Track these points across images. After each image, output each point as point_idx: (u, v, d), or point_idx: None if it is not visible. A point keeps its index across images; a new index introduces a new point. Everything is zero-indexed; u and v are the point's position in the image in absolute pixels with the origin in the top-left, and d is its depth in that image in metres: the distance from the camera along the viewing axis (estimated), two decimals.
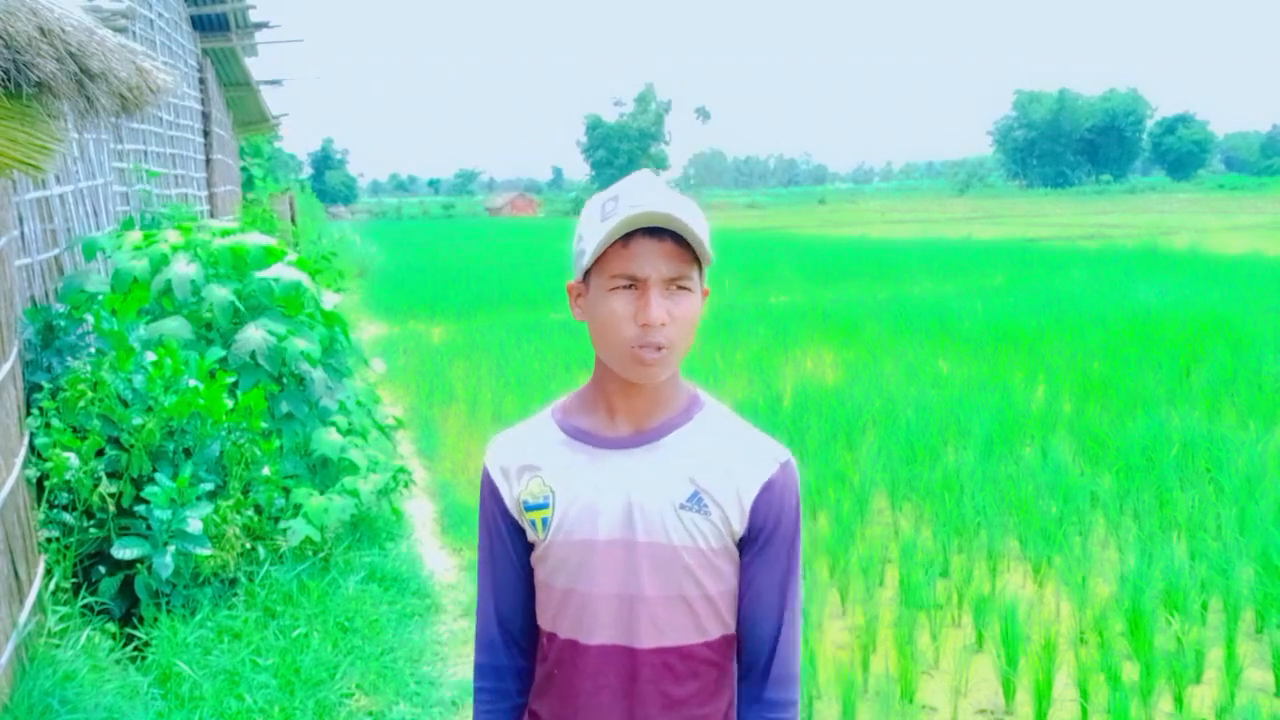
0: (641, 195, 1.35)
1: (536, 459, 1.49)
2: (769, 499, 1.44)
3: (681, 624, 1.43)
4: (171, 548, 3.93)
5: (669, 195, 1.35)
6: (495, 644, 1.56)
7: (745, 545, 1.45)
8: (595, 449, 1.45)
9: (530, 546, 1.51)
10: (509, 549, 1.52)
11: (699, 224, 1.35)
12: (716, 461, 1.43)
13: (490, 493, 1.53)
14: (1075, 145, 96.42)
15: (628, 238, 1.34)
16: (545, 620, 1.51)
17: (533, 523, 1.47)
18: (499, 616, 1.55)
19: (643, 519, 1.41)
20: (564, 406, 1.53)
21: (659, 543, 1.41)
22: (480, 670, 1.57)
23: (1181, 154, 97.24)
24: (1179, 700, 3.65)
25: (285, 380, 5.25)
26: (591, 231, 1.37)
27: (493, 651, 1.56)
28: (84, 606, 3.78)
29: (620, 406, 1.45)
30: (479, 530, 1.58)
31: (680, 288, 1.37)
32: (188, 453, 4.33)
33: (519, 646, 1.56)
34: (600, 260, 1.37)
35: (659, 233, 1.34)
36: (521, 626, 1.55)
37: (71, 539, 3.83)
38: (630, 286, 1.36)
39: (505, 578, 1.54)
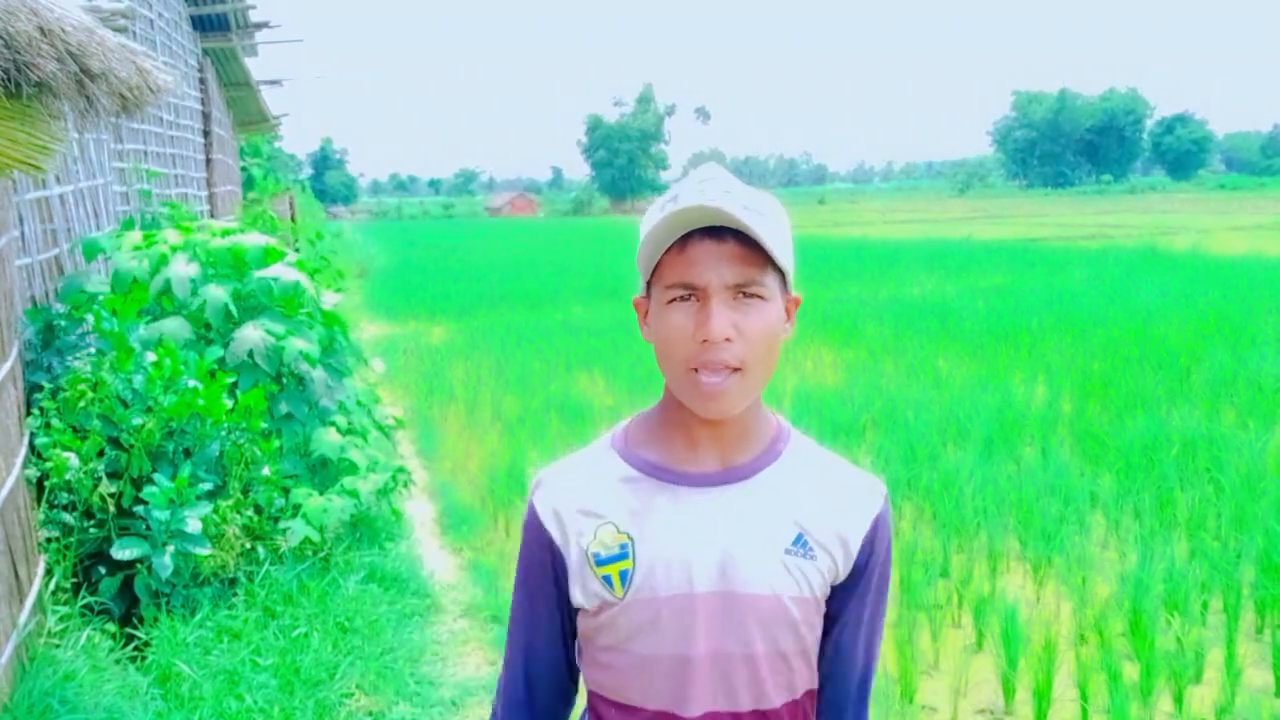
0: (701, 190, 1.15)
1: (601, 501, 1.26)
2: (875, 536, 1.28)
3: (779, 683, 1.26)
4: (171, 548, 3.93)
5: (733, 188, 1.15)
6: (522, 707, 1.35)
7: (845, 583, 1.29)
8: (677, 487, 1.24)
9: (575, 606, 1.30)
10: (554, 607, 1.31)
11: (769, 220, 1.16)
12: (819, 501, 1.26)
13: (541, 543, 1.29)
14: (1075, 145, 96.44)
15: (684, 241, 1.16)
16: (618, 690, 1.28)
17: (607, 579, 1.24)
18: (531, 681, 1.34)
19: (744, 568, 1.22)
20: (627, 436, 1.30)
21: (763, 594, 1.22)
22: None
23: (1181, 154, 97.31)
24: (1179, 700, 3.65)
25: (285, 380, 5.25)
26: (648, 236, 1.18)
27: (518, 713, 1.36)
28: (84, 606, 3.78)
29: (703, 437, 1.24)
30: (518, 580, 1.35)
31: (750, 295, 1.16)
32: (187, 453, 4.33)
33: (550, 713, 1.37)
34: (657, 269, 1.19)
35: (719, 232, 1.15)
36: (556, 693, 1.36)
37: (71, 539, 3.83)
38: (690, 297, 1.16)
39: (547, 638, 1.33)
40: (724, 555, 1.22)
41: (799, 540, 1.24)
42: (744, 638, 1.23)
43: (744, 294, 1.16)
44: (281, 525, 4.57)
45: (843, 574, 1.27)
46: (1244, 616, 4.26)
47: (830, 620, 1.30)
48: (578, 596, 1.27)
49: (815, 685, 1.33)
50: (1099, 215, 45.01)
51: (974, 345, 10.54)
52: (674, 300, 1.17)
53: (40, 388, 4.15)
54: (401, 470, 5.55)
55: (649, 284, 1.22)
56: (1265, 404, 7.48)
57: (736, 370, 1.16)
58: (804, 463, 1.29)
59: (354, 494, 4.96)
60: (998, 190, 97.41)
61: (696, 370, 1.16)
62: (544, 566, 1.30)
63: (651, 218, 1.19)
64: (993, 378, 8.80)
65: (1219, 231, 30.17)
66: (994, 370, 9.22)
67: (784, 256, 1.18)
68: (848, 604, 1.30)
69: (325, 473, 5.20)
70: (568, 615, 1.32)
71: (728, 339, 1.15)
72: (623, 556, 1.24)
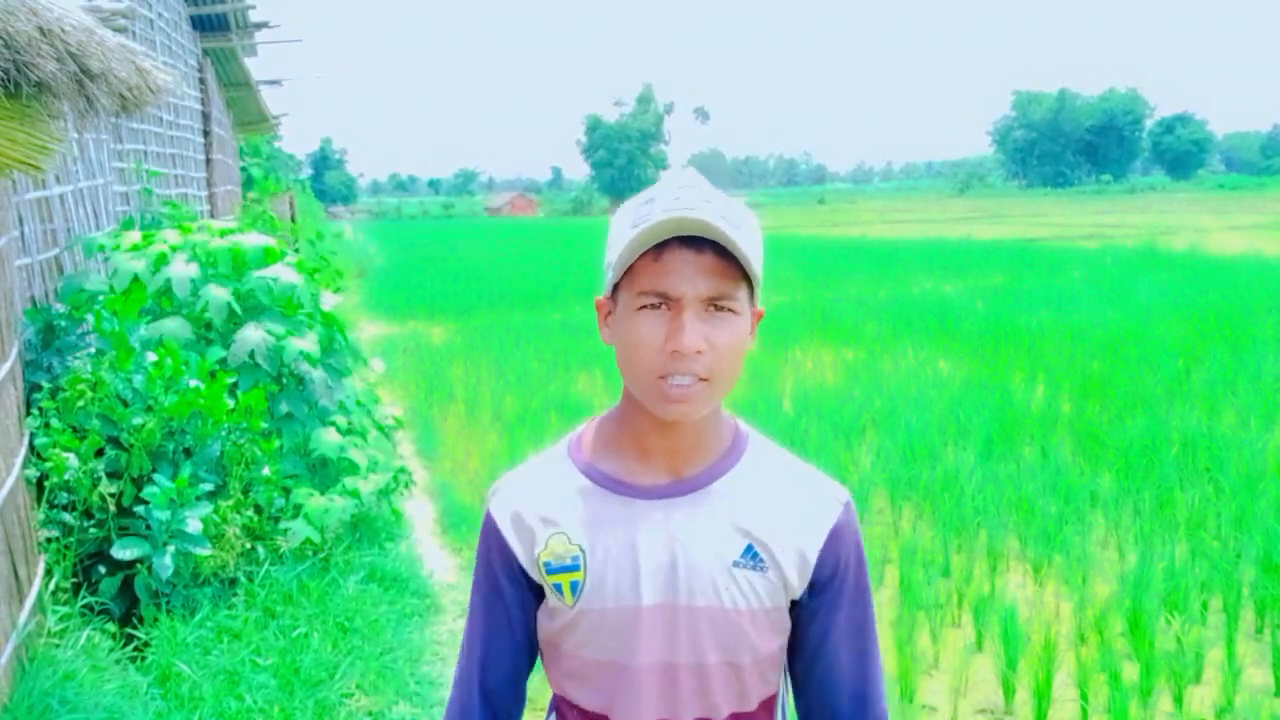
0: (678, 198, 1.13)
1: (556, 510, 1.27)
2: (835, 548, 1.26)
3: (728, 694, 1.26)
4: (171, 548, 3.93)
5: (712, 198, 1.15)
6: (473, 713, 1.35)
7: (813, 596, 1.27)
8: (629, 499, 1.25)
9: (535, 607, 1.32)
10: (510, 614, 1.32)
11: (747, 233, 1.15)
12: (772, 511, 1.25)
13: (498, 549, 1.30)
14: (1075, 145, 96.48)
15: (660, 248, 1.14)
16: (574, 691, 1.31)
17: (558, 587, 1.26)
18: (484, 688, 1.34)
19: (691, 580, 1.22)
20: (583, 444, 1.31)
21: (710, 606, 1.22)
22: None
23: (1181, 154, 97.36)
24: (1179, 700, 3.65)
25: (285, 380, 5.25)
26: (621, 239, 1.16)
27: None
28: (84, 607, 3.78)
29: (655, 447, 1.24)
30: (474, 586, 1.35)
31: (722, 309, 1.15)
32: (188, 453, 4.33)
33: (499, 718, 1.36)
34: (629, 273, 1.17)
35: (697, 243, 1.13)
36: (508, 700, 1.36)
37: (71, 539, 3.83)
38: (661, 306, 1.15)
39: (501, 645, 1.33)
40: (671, 567, 1.22)
41: (748, 551, 1.23)
42: (691, 649, 1.23)
43: (716, 307, 1.15)
44: (282, 525, 4.57)
45: (799, 586, 1.25)
46: (1244, 616, 4.27)
47: (805, 638, 1.29)
48: (549, 602, 1.29)
49: (771, 694, 1.32)
50: (1098, 215, 45.03)
51: (974, 345, 10.54)
52: (645, 307, 1.16)
53: (40, 387, 4.15)
54: (402, 470, 5.55)
55: (616, 286, 1.20)
56: (1265, 403, 7.48)
57: (704, 380, 1.16)
58: (760, 471, 1.28)
59: (354, 494, 4.96)
60: (997, 190, 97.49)
61: (662, 377, 1.16)
62: (500, 575, 1.31)
63: (625, 220, 1.18)
64: (992, 377, 8.80)
65: (1218, 231, 30.18)
66: (994, 370, 9.23)
67: (757, 270, 1.17)
68: (818, 618, 1.28)
69: (325, 473, 5.20)
70: (525, 625, 1.32)
71: (699, 351, 1.14)
72: (574, 568, 1.25)
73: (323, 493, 4.93)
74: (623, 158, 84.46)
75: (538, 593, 1.31)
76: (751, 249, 1.15)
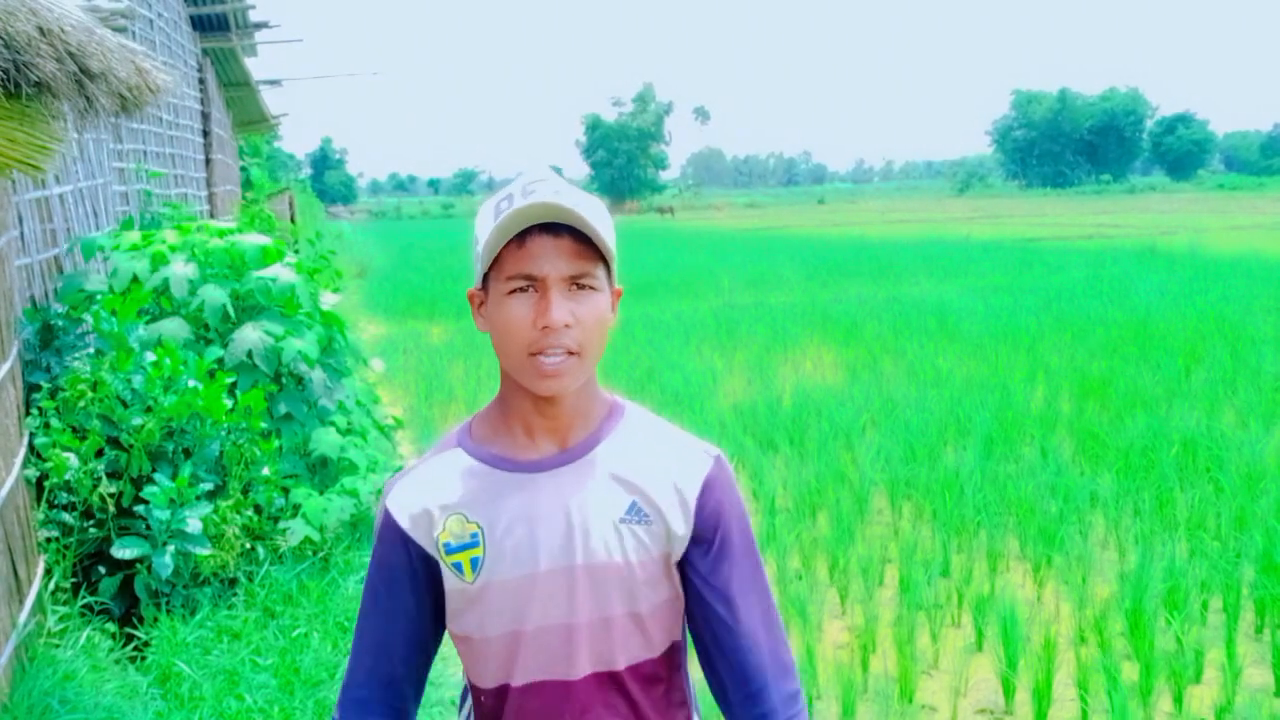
0: (534, 190, 1.24)
1: (452, 495, 1.34)
2: (713, 495, 1.35)
3: (631, 644, 1.35)
4: (171, 548, 3.93)
5: (566, 189, 1.26)
6: (366, 706, 1.38)
7: (697, 549, 1.35)
8: (520, 474, 1.33)
9: (434, 601, 1.37)
10: (407, 604, 1.36)
11: (599, 217, 1.26)
12: (649, 467, 1.34)
13: (399, 543, 1.35)
14: (1075, 145, 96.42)
15: (523, 236, 1.24)
16: (481, 676, 1.37)
17: (457, 565, 1.32)
18: (378, 677, 1.37)
19: (585, 541, 1.30)
20: (470, 432, 1.39)
21: (602, 562, 1.31)
22: None
23: (1181, 154, 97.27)
24: (1178, 700, 3.65)
25: (284, 380, 5.25)
26: (486, 232, 1.26)
27: (361, 713, 1.38)
28: (83, 606, 3.78)
29: (538, 425, 1.33)
30: (367, 582, 1.39)
31: (584, 286, 1.26)
32: (187, 453, 4.33)
33: (394, 711, 1.39)
34: (496, 263, 1.27)
35: (556, 229, 1.24)
36: (402, 691, 1.39)
37: (71, 539, 3.83)
38: (529, 288, 1.25)
39: (396, 634, 1.37)
40: (567, 532, 1.30)
41: (632, 508, 1.32)
42: (592, 606, 1.31)
43: (578, 285, 1.26)
44: (281, 525, 4.57)
45: (683, 534, 1.33)
46: (1244, 616, 4.27)
47: (709, 585, 1.35)
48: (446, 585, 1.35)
49: (676, 641, 1.39)
50: (1098, 215, 45.02)
51: (973, 345, 10.55)
52: (514, 291, 1.25)
53: (39, 388, 4.15)
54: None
55: (485, 276, 1.29)
56: (1265, 403, 7.48)
57: (573, 354, 1.26)
58: (637, 435, 1.37)
59: (354, 494, 4.96)
60: (997, 190, 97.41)
61: (535, 355, 1.25)
62: (399, 568, 1.36)
63: (488, 214, 1.27)
64: (992, 377, 8.80)
65: (1218, 231, 30.18)
66: (993, 370, 9.23)
67: (611, 250, 1.28)
68: (719, 565, 1.35)
69: (325, 473, 5.20)
70: (419, 617, 1.37)
71: (566, 325, 1.24)
72: (473, 544, 1.32)
73: (322, 492, 4.93)
74: (622, 158, 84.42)
75: (435, 587, 1.36)
76: (605, 231, 1.26)
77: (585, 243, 1.25)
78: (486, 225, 1.27)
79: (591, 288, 1.27)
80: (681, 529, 1.33)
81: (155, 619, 3.88)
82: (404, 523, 1.34)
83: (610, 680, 1.34)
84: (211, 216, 11.82)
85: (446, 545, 1.32)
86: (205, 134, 12.58)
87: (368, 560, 4.75)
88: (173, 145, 9.92)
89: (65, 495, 3.86)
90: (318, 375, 5.30)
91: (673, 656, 1.40)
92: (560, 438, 1.34)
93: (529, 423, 1.34)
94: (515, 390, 1.33)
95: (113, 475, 4.01)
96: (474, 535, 1.32)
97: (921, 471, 6.02)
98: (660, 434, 1.39)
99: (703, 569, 1.35)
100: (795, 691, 1.37)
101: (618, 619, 1.33)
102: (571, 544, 1.30)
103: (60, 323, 4.52)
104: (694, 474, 1.35)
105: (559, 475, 1.32)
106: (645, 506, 1.33)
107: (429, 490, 1.35)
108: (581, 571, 1.30)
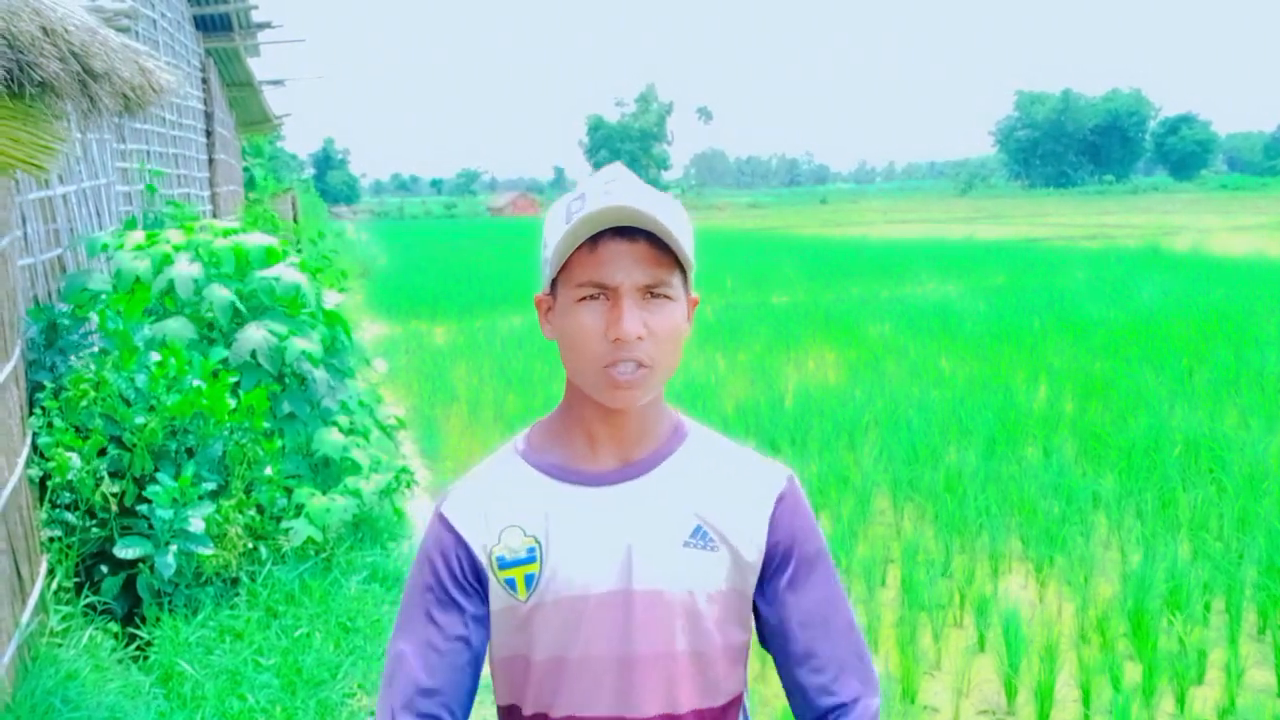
0: (608, 191, 1.15)
1: (510, 505, 1.26)
2: (786, 518, 1.27)
3: (693, 687, 1.24)
4: (174, 547, 3.93)
5: (642, 190, 1.17)
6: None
7: (773, 576, 1.27)
8: (580, 487, 1.25)
9: (481, 617, 1.26)
10: (458, 618, 1.25)
11: (678, 222, 1.17)
12: (718, 490, 1.26)
13: (449, 553, 1.25)
14: (1078, 145, 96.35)
15: (595, 240, 1.16)
16: (525, 699, 1.27)
17: (510, 581, 1.23)
18: (422, 695, 1.23)
19: (644, 564, 1.22)
20: (530, 441, 1.31)
21: (661, 590, 1.22)
22: None
23: (1184, 154, 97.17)
24: (1181, 701, 3.65)
25: (287, 380, 5.26)
26: (556, 236, 1.18)
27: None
28: (86, 606, 3.79)
29: (602, 435, 1.25)
30: (411, 593, 1.28)
31: (658, 296, 1.17)
32: (190, 452, 4.34)
33: None
34: (566, 267, 1.19)
35: (630, 233, 1.15)
36: (446, 712, 1.26)
37: (74, 538, 3.84)
38: (600, 296, 1.17)
39: (444, 651, 1.24)
40: (626, 551, 1.22)
41: (697, 531, 1.24)
42: (652, 637, 1.22)
43: (652, 294, 1.18)
44: (284, 525, 4.57)
45: (754, 563, 1.25)
46: (1246, 617, 4.26)
47: (786, 612, 1.27)
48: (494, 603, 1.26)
49: (739, 693, 1.29)
50: (1101, 215, 44.98)
51: (976, 345, 10.54)
52: (584, 299, 1.18)
53: (43, 387, 4.15)
54: (404, 470, 5.55)
55: (554, 282, 1.22)
56: (1268, 404, 7.47)
57: (645, 367, 1.18)
58: (703, 454, 1.29)
59: (356, 494, 4.96)
60: (1000, 190, 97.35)
61: (607, 366, 1.17)
62: (449, 580, 1.25)
63: (559, 217, 1.19)
64: (995, 377, 8.79)
65: (1221, 231, 30.14)
66: (996, 370, 9.22)
67: (689, 257, 1.20)
68: (797, 590, 1.27)
69: (328, 473, 5.21)
70: (469, 639, 1.25)
71: (639, 337, 1.16)
72: (530, 560, 1.24)
73: (325, 492, 4.94)
74: (625, 157, 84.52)
75: (483, 604, 1.26)
76: (683, 237, 1.17)
77: (662, 248, 1.17)
78: (557, 227, 1.19)
79: (667, 296, 1.18)
80: (751, 555, 1.25)
81: (158, 619, 3.88)
82: (462, 529, 1.26)
83: None
84: (215, 216, 11.83)
85: (500, 559, 1.24)
86: (208, 134, 12.59)
87: (370, 560, 4.72)
88: (176, 145, 9.93)
89: (68, 495, 3.86)
90: (321, 375, 5.31)
91: (731, 711, 1.29)
92: (624, 451, 1.26)
93: (592, 432, 1.26)
94: (581, 399, 1.25)
95: (115, 475, 4.01)
96: (530, 550, 1.23)
97: (924, 472, 6.01)
98: (728, 454, 1.31)
99: (783, 594, 1.27)
100: (875, 711, 1.29)
101: (680, 656, 1.23)
102: (629, 566, 1.22)
103: (64, 322, 4.52)
104: (765, 497, 1.27)
105: (620, 490, 1.25)
106: (711, 531, 1.24)
107: (486, 499, 1.27)
108: (639, 598, 1.22)
